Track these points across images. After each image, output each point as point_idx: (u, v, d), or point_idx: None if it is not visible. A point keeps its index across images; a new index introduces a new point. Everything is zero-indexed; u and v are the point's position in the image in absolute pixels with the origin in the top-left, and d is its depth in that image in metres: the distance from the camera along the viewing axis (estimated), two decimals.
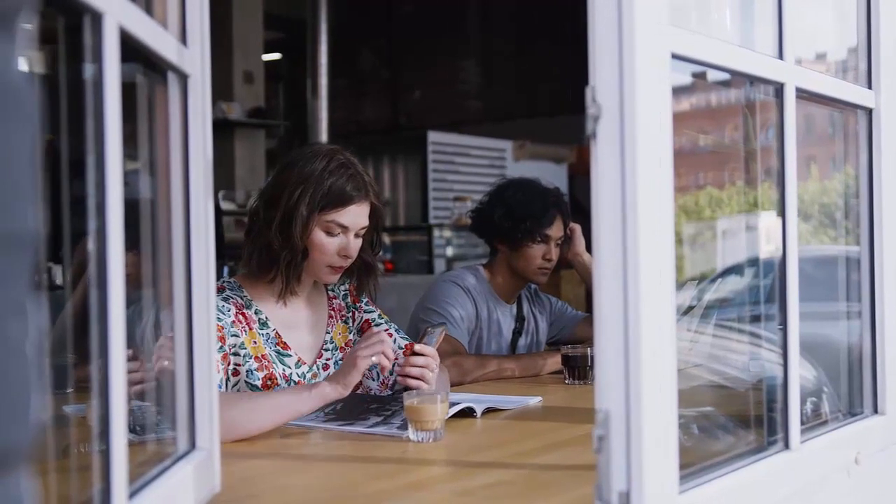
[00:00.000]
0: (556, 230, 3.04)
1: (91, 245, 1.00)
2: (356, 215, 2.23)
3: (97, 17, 0.99)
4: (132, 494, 1.09)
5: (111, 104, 1.01)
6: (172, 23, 1.33)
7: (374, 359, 2.00)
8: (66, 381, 1.37)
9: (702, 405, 1.70)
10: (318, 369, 2.30)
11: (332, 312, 2.40)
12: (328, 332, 2.37)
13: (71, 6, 0.96)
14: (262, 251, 2.22)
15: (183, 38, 1.35)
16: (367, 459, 1.78)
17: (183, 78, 1.34)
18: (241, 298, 2.24)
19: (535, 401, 2.38)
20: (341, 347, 2.37)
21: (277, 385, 2.19)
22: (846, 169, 2.02)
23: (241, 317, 2.20)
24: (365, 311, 2.45)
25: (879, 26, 1.82)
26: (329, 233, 2.21)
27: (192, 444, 1.37)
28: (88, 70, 1.01)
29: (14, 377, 0.51)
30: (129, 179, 1.07)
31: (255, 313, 2.24)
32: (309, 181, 2.18)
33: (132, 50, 1.11)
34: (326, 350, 2.35)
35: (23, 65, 0.53)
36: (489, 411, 2.21)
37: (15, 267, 0.51)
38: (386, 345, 2.03)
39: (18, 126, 0.49)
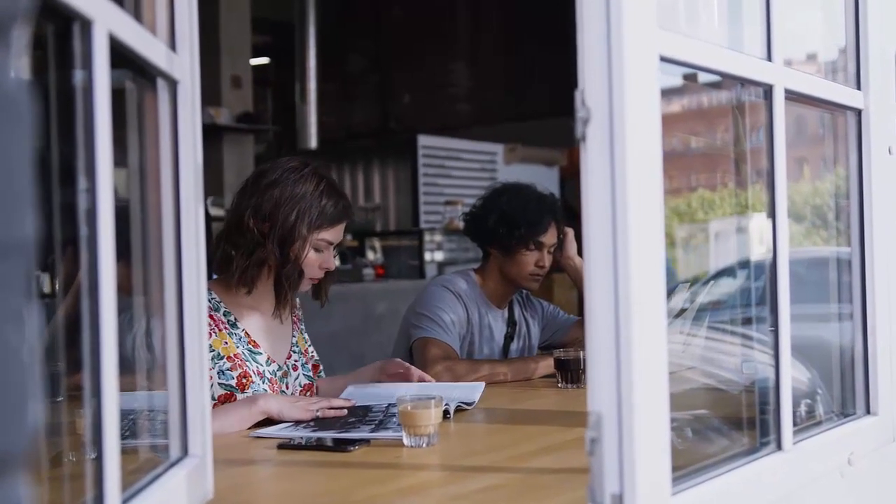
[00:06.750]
0: (549, 237, 3.03)
1: (82, 252, 1.00)
2: (341, 232, 2.38)
3: (87, 24, 0.99)
4: (125, 501, 1.09)
5: (101, 111, 1.01)
6: (161, 29, 1.32)
7: (319, 413, 2.16)
8: (59, 390, 1.36)
9: (695, 408, 1.70)
10: (288, 368, 2.42)
11: (296, 320, 2.52)
12: (293, 337, 2.48)
13: (60, 13, 0.96)
14: (255, 267, 2.29)
15: (172, 45, 1.34)
16: (361, 465, 1.77)
17: (172, 84, 1.34)
18: (210, 301, 2.28)
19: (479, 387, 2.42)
20: (304, 352, 2.50)
21: (253, 382, 2.27)
22: (836, 170, 2.03)
23: (209, 319, 2.24)
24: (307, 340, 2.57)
25: (868, 27, 1.82)
26: (317, 249, 2.33)
27: (185, 451, 1.37)
28: (78, 76, 1.01)
29: (12, 383, 0.51)
30: (118, 186, 1.06)
31: (224, 315, 2.32)
32: (303, 202, 2.28)
33: (120, 56, 1.11)
34: (294, 352, 2.46)
35: (19, 72, 0.53)
36: (459, 410, 2.24)
37: (13, 273, 0.51)
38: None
39: (16, 133, 0.49)
